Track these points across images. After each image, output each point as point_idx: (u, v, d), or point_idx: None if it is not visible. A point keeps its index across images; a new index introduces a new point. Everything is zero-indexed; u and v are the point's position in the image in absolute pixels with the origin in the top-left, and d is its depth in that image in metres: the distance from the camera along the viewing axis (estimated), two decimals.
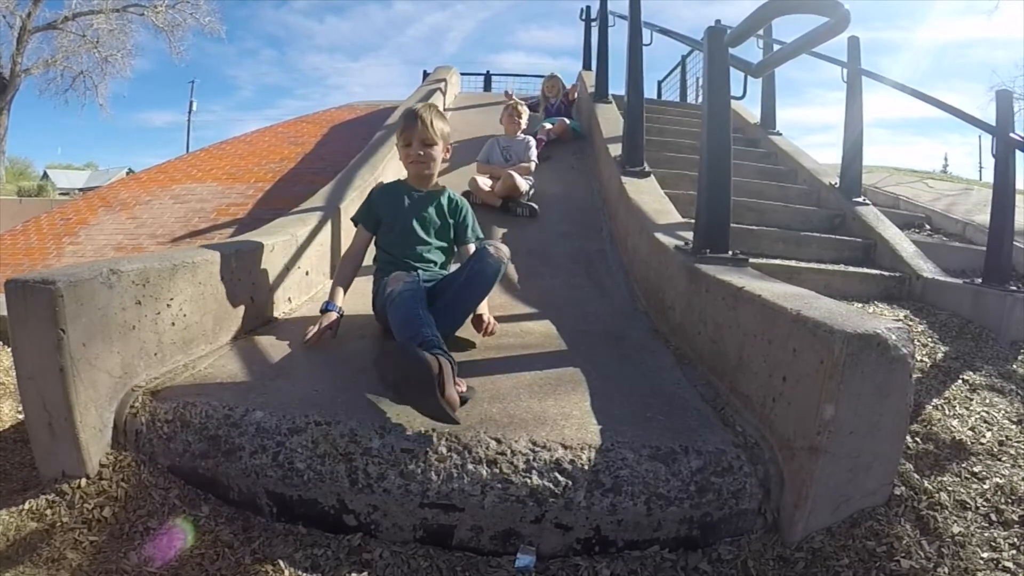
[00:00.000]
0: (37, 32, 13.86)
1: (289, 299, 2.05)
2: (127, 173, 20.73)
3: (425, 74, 7.16)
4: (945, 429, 1.52)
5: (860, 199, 3.40)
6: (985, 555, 1.09)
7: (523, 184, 3.27)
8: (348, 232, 2.00)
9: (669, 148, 4.15)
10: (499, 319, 1.87)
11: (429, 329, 1.39)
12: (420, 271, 1.76)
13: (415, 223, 1.85)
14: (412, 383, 1.17)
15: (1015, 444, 1.47)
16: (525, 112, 3.80)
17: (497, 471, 1.12)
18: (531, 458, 1.14)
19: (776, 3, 1.70)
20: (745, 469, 1.16)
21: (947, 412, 1.61)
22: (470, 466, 1.13)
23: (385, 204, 1.89)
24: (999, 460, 1.40)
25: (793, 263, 2.68)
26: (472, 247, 1.88)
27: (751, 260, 1.92)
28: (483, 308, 1.78)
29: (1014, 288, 2.33)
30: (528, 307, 2.20)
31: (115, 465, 1.21)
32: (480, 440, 1.17)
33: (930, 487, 1.25)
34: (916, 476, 1.29)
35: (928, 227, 4.00)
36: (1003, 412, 1.64)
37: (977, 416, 1.60)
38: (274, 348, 1.63)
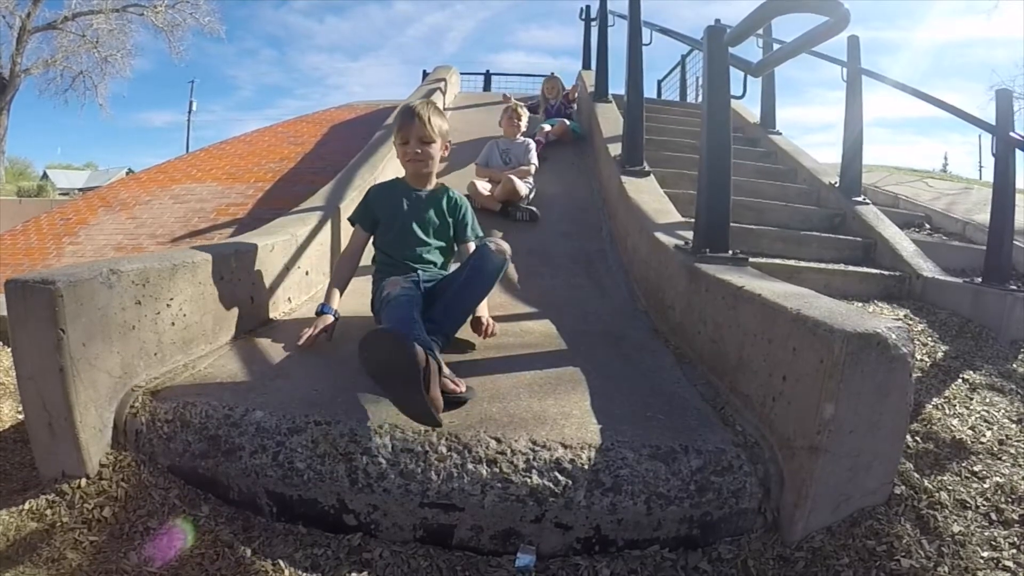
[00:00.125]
0: (37, 32, 13.85)
1: (289, 299, 2.05)
2: (127, 173, 20.71)
3: (425, 74, 7.15)
4: (945, 428, 1.52)
5: (860, 198, 3.40)
6: (985, 554, 1.09)
7: (523, 188, 3.24)
8: (348, 232, 2.00)
9: (669, 147, 4.14)
10: (499, 319, 1.86)
11: (420, 332, 1.38)
12: (419, 272, 1.75)
13: (414, 224, 1.82)
14: (397, 374, 1.15)
15: (1015, 443, 1.47)
16: (525, 114, 3.76)
17: (497, 470, 1.12)
18: (531, 457, 1.14)
19: (776, 2, 1.70)
20: (745, 468, 1.16)
21: (947, 411, 1.61)
22: (470, 465, 1.13)
23: (383, 204, 1.85)
24: (999, 459, 1.40)
25: (793, 262, 2.68)
26: (472, 245, 1.86)
27: (751, 259, 1.92)
28: (482, 310, 1.75)
29: (1014, 287, 2.34)
30: (528, 307, 2.19)
31: (115, 465, 1.21)
32: (480, 439, 1.17)
33: (930, 486, 1.25)
34: (916, 475, 1.29)
35: (928, 226, 4.00)
36: (1003, 411, 1.64)
37: (977, 415, 1.60)
38: (274, 348, 1.63)
